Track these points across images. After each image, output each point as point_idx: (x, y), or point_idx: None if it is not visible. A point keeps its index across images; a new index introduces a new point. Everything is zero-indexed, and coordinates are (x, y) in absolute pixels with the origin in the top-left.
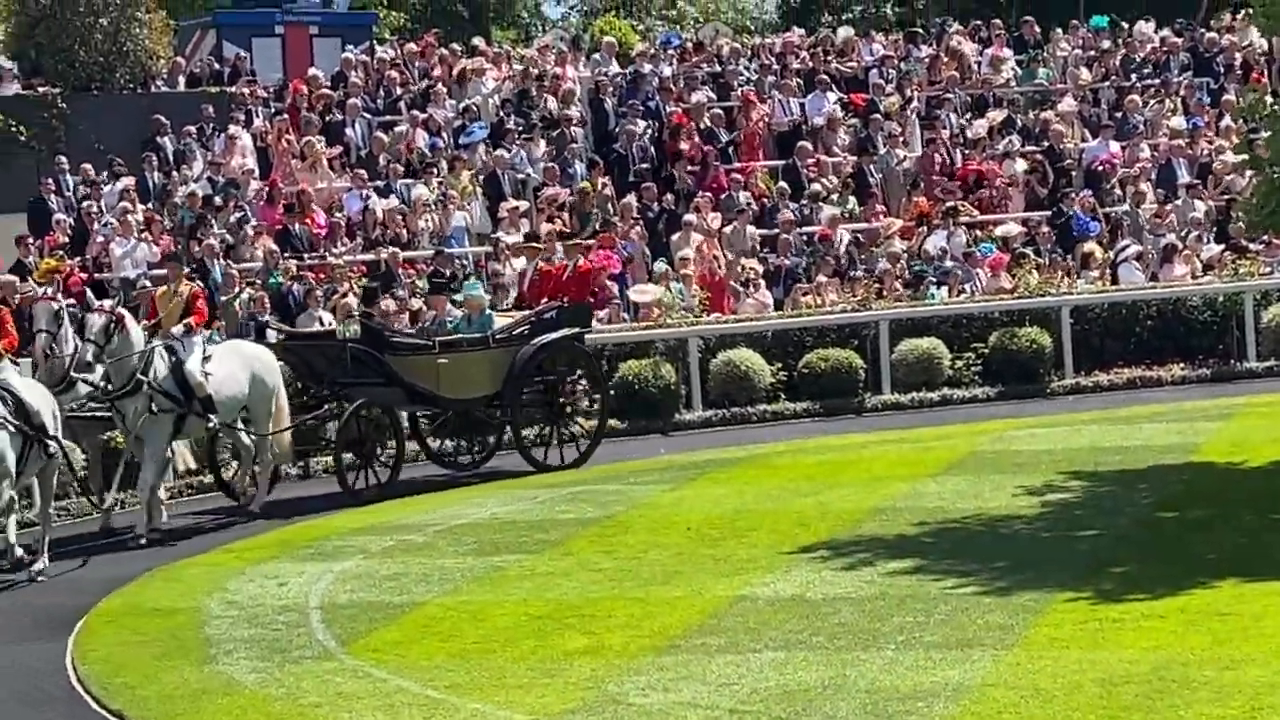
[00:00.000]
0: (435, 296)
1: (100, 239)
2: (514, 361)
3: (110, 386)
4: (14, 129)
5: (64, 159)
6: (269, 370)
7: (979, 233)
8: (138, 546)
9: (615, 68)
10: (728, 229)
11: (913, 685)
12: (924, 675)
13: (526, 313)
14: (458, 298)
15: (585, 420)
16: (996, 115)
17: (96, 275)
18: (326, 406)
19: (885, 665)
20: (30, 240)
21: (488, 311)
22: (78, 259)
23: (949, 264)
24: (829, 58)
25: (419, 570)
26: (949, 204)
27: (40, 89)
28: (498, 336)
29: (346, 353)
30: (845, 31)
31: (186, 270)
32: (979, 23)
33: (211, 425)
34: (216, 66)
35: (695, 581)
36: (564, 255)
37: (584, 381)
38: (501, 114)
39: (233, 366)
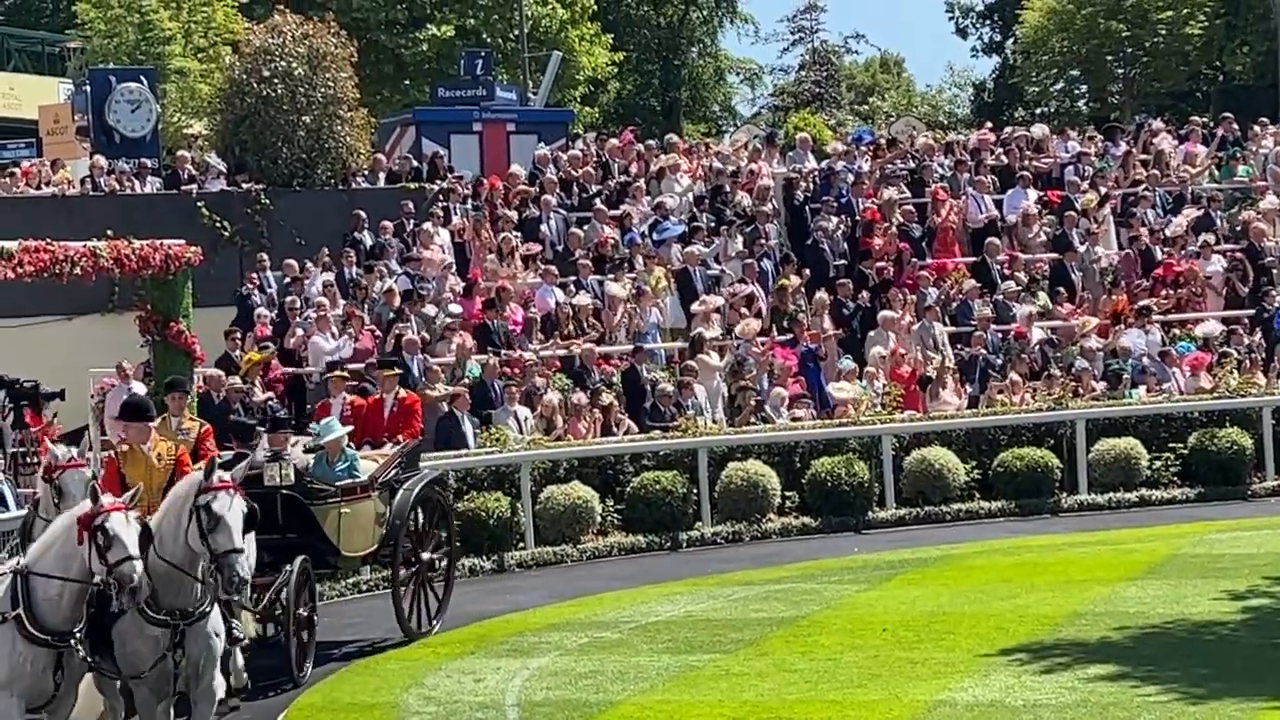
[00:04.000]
0: (275, 434)
1: (300, 332)
2: (393, 511)
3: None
4: (218, 224)
5: (265, 256)
6: None
7: (1177, 331)
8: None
9: (811, 163)
10: (916, 326)
11: None
12: None
13: (392, 453)
14: (307, 440)
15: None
16: (1194, 212)
17: (294, 370)
18: (286, 570)
19: None
20: (238, 334)
21: (349, 451)
22: (276, 350)
23: (1146, 363)
24: (1024, 154)
25: (614, 668)
26: (1142, 302)
27: (244, 185)
28: (380, 481)
29: (278, 502)
30: (1040, 128)
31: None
32: (1191, 119)
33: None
34: (415, 163)
35: (893, 685)
36: (384, 388)
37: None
38: (695, 210)
39: None
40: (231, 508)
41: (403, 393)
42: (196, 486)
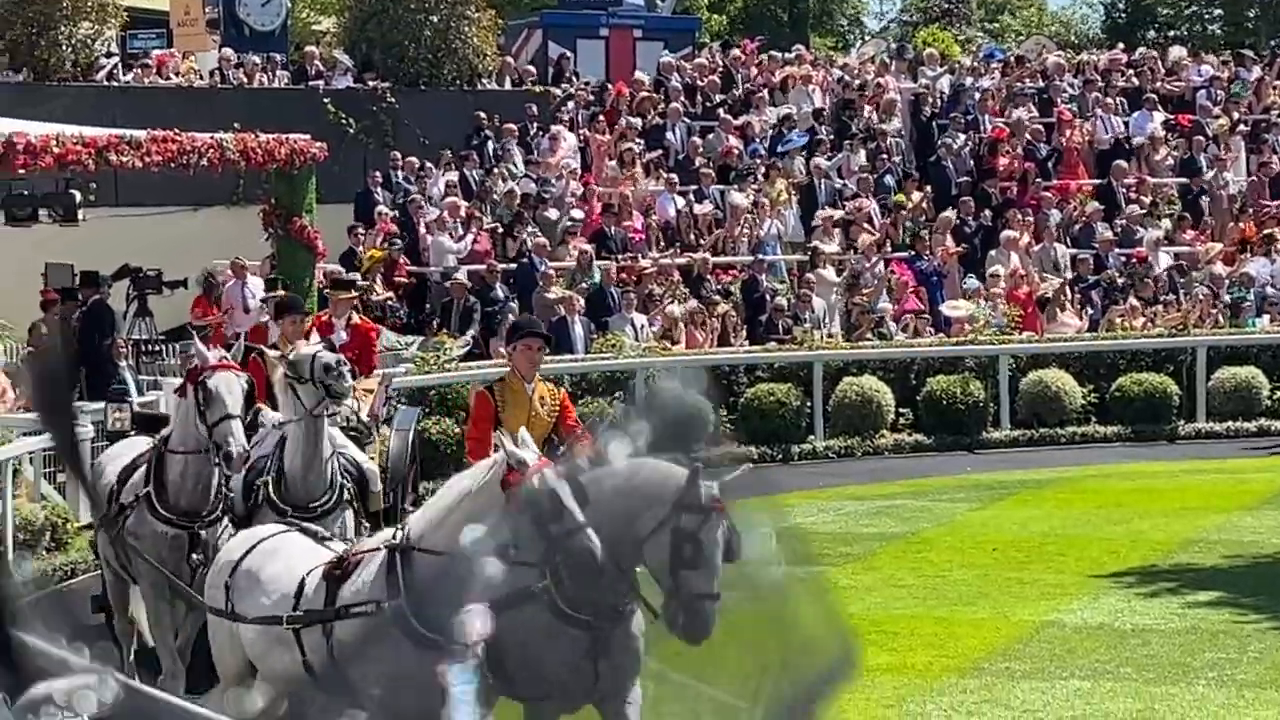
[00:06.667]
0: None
1: (423, 232)
2: (391, 457)
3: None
4: (343, 121)
5: (397, 154)
6: None
7: None
8: None
9: (946, 80)
10: (1037, 247)
11: None
12: (1236, 714)
13: (378, 387)
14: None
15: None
16: None
17: (417, 268)
18: None
19: (1195, 701)
20: (361, 230)
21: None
22: (399, 248)
23: (1270, 291)
24: (1155, 77)
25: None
26: (1269, 230)
27: (370, 83)
28: (383, 420)
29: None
30: (1177, 50)
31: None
32: None
33: None
34: (536, 69)
35: (1001, 604)
36: (335, 310)
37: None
38: (817, 123)
39: None
40: (720, 540)
41: (356, 319)
42: (678, 498)
